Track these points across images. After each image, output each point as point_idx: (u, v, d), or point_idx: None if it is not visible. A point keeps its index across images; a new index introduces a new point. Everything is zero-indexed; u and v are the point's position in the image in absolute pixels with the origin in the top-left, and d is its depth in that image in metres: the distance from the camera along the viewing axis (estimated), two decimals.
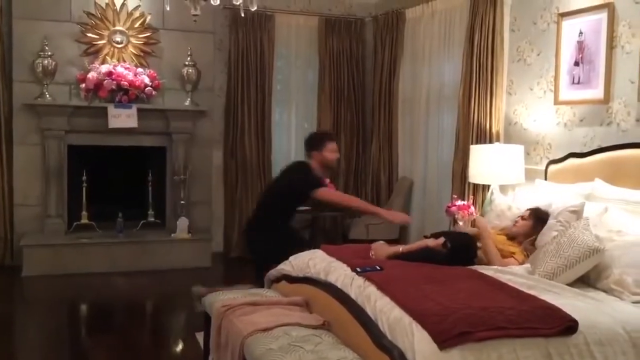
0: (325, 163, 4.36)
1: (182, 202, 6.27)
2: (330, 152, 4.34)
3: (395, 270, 3.12)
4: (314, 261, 3.40)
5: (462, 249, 3.47)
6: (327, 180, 6.20)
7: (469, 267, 3.28)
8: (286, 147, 7.11)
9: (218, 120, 6.73)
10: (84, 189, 6.05)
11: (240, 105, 6.66)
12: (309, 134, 4.54)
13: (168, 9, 3.89)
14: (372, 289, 2.81)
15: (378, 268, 3.16)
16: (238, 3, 3.62)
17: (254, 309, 2.94)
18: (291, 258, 3.63)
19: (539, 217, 3.64)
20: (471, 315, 2.45)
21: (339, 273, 3.14)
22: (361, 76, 7.18)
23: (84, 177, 6.03)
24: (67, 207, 6.13)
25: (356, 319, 2.68)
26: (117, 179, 6.44)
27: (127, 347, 4.06)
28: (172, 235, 6.18)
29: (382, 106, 6.66)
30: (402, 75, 6.44)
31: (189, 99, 6.33)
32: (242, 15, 4.08)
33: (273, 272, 3.69)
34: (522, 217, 3.69)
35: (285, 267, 3.57)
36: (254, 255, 4.53)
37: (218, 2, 3.68)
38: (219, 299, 3.25)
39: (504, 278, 3.03)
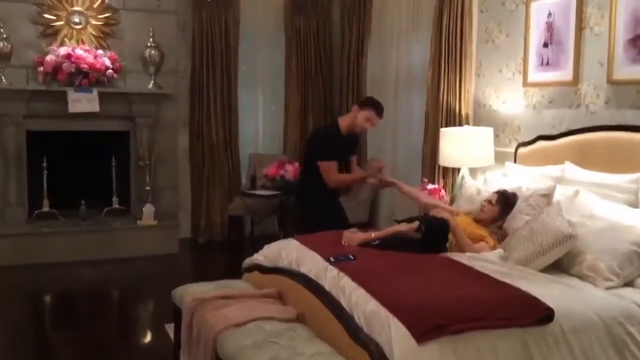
0: (355, 124, 4.28)
1: (148, 187, 6.13)
2: (364, 118, 4.23)
3: (369, 260, 3.07)
4: (286, 251, 3.34)
5: (437, 233, 3.43)
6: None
7: (442, 254, 3.26)
8: (253, 128, 7.00)
9: (183, 103, 6.57)
10: (44, 176, 5.85)
11: (205, 88, 6.51)
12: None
13: None
14: (346, 280, 2.76)
15: (351, 257, 3.12)
16: None
17: (226, 303, 2.87)
18: (264, 248, 3.57)
19: (506, 202, 3.59)
20: (447, 307, 2.42)
21: (312, 263, 3.09)
22: (328, 56, 7.08)
23: (44, 164, 5.83)
24: (28, 195, 5.92)
25: (331, 312, 2.63)
26: (79, 165, 6.22)
27: (93, 339, 3.96)
28: (138, 222, 6.04)
29: (350, 87, 6.58)
30: (370, 55, 6.37)
31: (152, 82, 6.15)
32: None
33: (246, 262, 3.61)
34: (489, 202, 3.62)
35: (258, 256, 3.50)
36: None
37: None
38: (189, 292, 3.17)
39: (477, 265, 3.01)
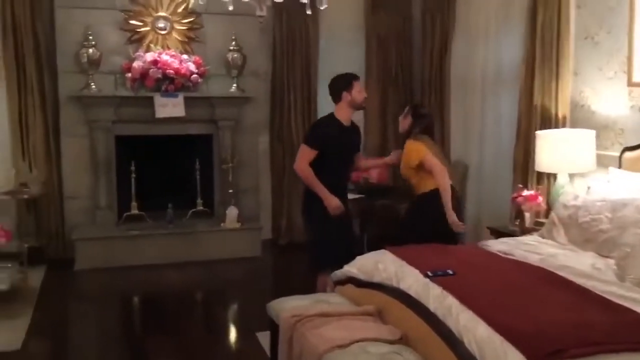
0: (355, 104, 4.13)
1: (231, 190, 6.16)
2: (358, 92, 4.11)
3: (471, 276, 2.95)
4: (383, 264, 3.24)
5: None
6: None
7: (546, 268, 3.07)
8: None
9: (263, 104, 6.57)
10: (132, 179, 5.98)
11: (285, 89, 6.49)
12: (333, 79, 4.22)
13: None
14: (452, 300, 2.65)
15: (450, 272, 3.00)
16: (305, 1, 3.42)
17: (325, 321, 2.81)
18: (357, 259, 3.49)
19: (415, 112, 4.22)
20: (566, 333, 2.28)
21: (412, 279, 2.98)
22: (409, 56, 6.92)
23: (133, 168, 5.95)
24: (117, 198, 6.08)
25: (438, 335, 2.52)
26: (164, 168, 6.36)
27: (183, 345, 4.01)
28: (222, 224, 6.09)
29: (432, 86, 6.39)
30: (454, 53, 6.16)
31: (234, 85, 6.18)
32: (309, 12, 3.86)
33: (337, 274, 3.54)
34: (403, 116, 4.23)
35: (351, 269, 3.42)
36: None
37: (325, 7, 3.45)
38: (286, 307, 3.12)
39: (588, 284, 2.83)
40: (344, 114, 4.13)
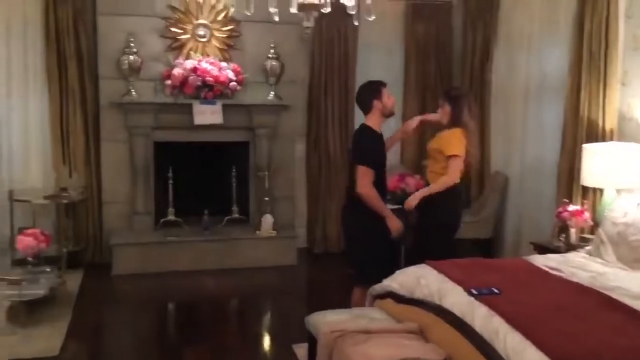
0: (387, 111, 3.98)
1: (267, 198, 6.14)
2: (388, 98, 3.98)
3: (518, 296, 2.85)
4: (425, 280, 3.17)
5: None
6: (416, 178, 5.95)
7: (597, 289, 2.96)
8: None
9: (300, 112, 6.54)
10: (170, 185, 6.01)
11: (323, 97, 6.46)
12: (360, 88, 4.11)
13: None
14: (498, 321, 2.56)
15: (496, 291, 2.91)
16: (352, 13, 3.37)
17: (366, 337, 2.74)
18: (397, 274, 3.42)
19: (452, 97, 4.17)
20: (617, 355, 2.19)
21: (455, 297, 2.90)
22: (448, 64, 6.82)
23: (170, 174, 5.98)
24: (154, 203, 6.11)
25: (485, 358, 2.43)
26: (200, 174, 6.37)
27: (219, 353, 3.99)
28: (257, 232, 6.07)
29: (473, 96, 6.27)
30: (495, 63, 6.05)
31: (272, 93, 6.16)
32: (356, 24, 3.79)
33: (377, 288, 3.47)
34: (440, 107, 4.19)
35: (392, 284, 3.35)
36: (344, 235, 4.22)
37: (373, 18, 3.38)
38: (325, 321, 3.07)
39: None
40: (377, 123, 3.99)
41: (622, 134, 4.52)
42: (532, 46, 5.53)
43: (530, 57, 5.56)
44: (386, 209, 3.91)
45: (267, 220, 6.05)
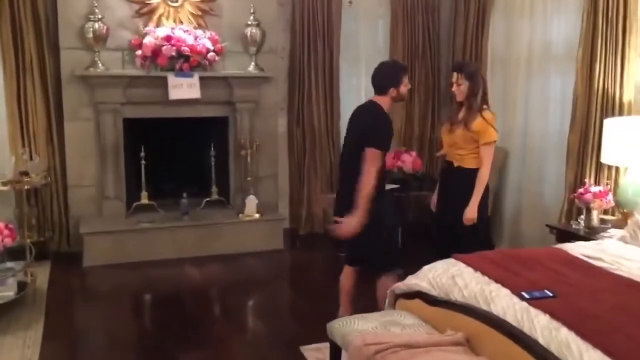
0: (400, 98, 3.64)
1: (249, 178, 5.69)
2: (405, 85, 3.62)
3: (578, 298, 2.53)
4: (462, 279, 2.82)
5: None
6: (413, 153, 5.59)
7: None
8: None
9: (281, 85, 6.08)
10: (142, 166, 5.48)
11: (306, 68, 5.99)
12: (381, 66, 3.69)
13: None
14: (566, 333, 2.23)
15: (549, 294, 2.59)
16: None
17: (411, 354, 2.38)
18: (425, 270, 3.06)
19: (470, 73, 3.71)
20: None
21: (504, 301, 2.56)
22: (437, 29, 6.43)
23: (142, 153, 5.45)
24: (125, 186, 5.58)
25: None
26: (175, 153, 5.86)
27: (204, 350, 3.63)
28: (240, 215, 5.63)
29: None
30: (492, 30, 5.69)
31: (252, 63, 5.66)
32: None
33: (401, 287, 3.12)
34: (456, 83, 3.74)
35: (421, 283, 2.99)
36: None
37: None
38: (355, 330, 2.70)
39: None
40: (388, 105, 3.60)
41: (637, 108, 4.25)
42: (536, 13, 5.17)
43: (533, 24, 5.20)
44: (365, 206, 3.44)
45: (251, 201, 5.61)
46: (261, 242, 5.57)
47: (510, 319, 2.46)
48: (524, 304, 2.50)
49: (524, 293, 2.58)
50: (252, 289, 4.86)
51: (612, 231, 3.85)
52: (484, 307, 2.61)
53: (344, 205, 3.55)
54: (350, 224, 3.47)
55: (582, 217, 4.02)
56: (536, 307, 2.45)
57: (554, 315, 2.36)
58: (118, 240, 5.23)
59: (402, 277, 3.23)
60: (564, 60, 4.85)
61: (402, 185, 5.29)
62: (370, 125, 3.50)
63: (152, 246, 5.29)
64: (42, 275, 4.79)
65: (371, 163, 3.44)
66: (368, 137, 3.46)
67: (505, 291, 2.64)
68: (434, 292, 2.91)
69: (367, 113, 3.61)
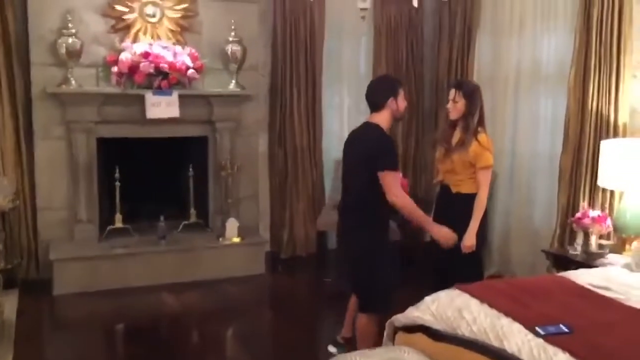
0: (398, 115, 3.45)
1: (230, 200, 5.47)
2: (403, 99, 3.45)
3: (592, 334, 2.38)
4: (470, 312, 2.64)
5: None
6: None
7: None
8: (338, 131, 6.26)
9: (262, 103, 5.88)
10: (116, 187, 5.22)
11: (288, 86, 5.81)
12: (375, 80, 3.59)
13: None
14: None
15: (565, 330, 2.43)
16: None
17: None
18: (428, 302, 2.88)
19: (468, 91, 3.60)
20: None
21: (518, 338, 2.40)
22: (420, 47, 6.33)
23: (117, 174, 5.19)
24: (99, 209, 5.30)
25: None
26: (152, 174, 5.58)
27: None
28: (220, 239, 5.39)
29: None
30: (478, 48, 5.59)
31: (233, 81, 5.47)
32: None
33: (401, 319, 2.93)
34: (453, 100, 3.61)
35: (424, 316, 2.80)
36: (346, 255, 3.60)
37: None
38: None
39: None
40: (387, 124, 3.44)
41: (632, 130, 4.16)
42: (524, 32, 5.09)
43: (521, 42, 5.12)
44: (427, 218, 3.42)
45: (232, 224, 5.38)
46: (242, 266, 5.34)
47: (526, 357, 2.30)
48: (540, 340, 2.34)
49: (538, 329, 2.42)
50: (232, 317, 4.63)
51: (611, 256, 3.74)
52: (496, 343, 2.44)
53: (349, 227, 3.44)
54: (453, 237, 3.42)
55: (578, 242, 3.89)
56: (553, 344, 2.29)
57: (572, 353, 2.21)
58: (90, 267, 4.94)
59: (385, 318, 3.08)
60: (554, 80, 4.77)
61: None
62: (376, 150, 3.29)
63: (127, 273, 5.01)
64: (10, 304, 4.46)
65: (394, 185, 3.29)
66: (377, 162, 3.26)
67: (518, 326, 2.48)
68: (438, 326, 2.73)
69: (367, 137, 3.41)
